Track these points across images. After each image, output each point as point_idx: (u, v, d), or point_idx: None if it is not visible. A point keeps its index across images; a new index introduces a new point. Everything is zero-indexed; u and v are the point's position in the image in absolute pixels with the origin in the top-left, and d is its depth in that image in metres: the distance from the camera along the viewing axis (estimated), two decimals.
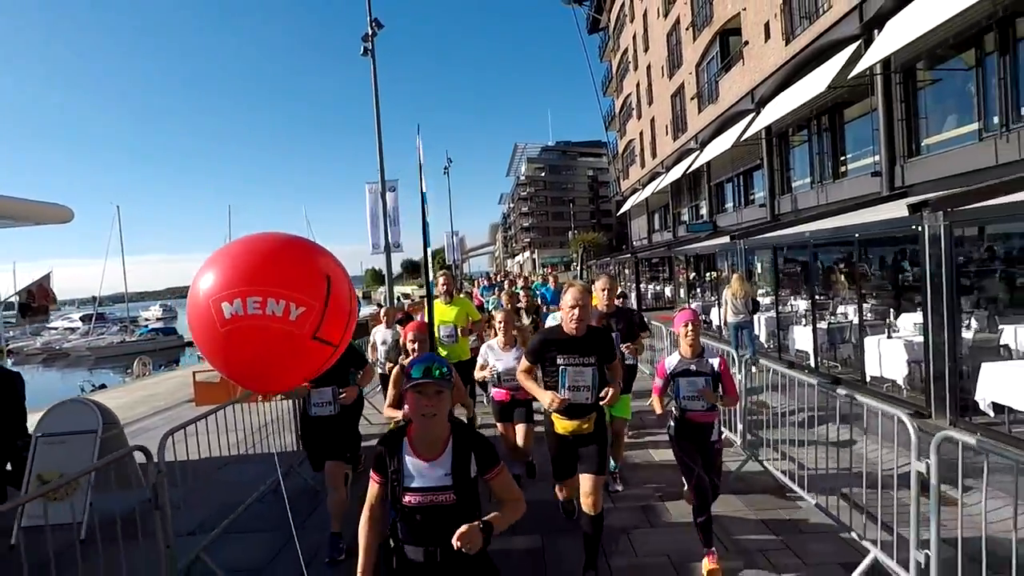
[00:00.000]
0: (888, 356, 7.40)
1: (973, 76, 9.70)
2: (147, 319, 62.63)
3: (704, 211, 23.89)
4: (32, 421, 5.31)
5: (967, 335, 7.18)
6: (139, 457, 3.45)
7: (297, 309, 2.16)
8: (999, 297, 8.55)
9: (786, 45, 14.65)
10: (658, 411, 3.92)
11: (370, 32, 15.19)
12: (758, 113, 16.30)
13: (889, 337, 7.62)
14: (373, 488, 2.19)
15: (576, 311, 3.42)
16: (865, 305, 10.48)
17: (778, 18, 14.90)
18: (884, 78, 11.42)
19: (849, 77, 11.38)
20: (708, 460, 3.71)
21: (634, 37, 31.73)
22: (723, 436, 3.82)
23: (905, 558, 3.10)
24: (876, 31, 11.08)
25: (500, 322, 4.80)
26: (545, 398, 3.45)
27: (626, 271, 27.12)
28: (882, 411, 3.64)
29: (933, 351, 6.23)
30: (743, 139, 16.73)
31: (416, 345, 4.24)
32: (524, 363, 3.69)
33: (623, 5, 33.63)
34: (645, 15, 28.98)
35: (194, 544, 3.97)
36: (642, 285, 25.23)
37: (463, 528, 1.92)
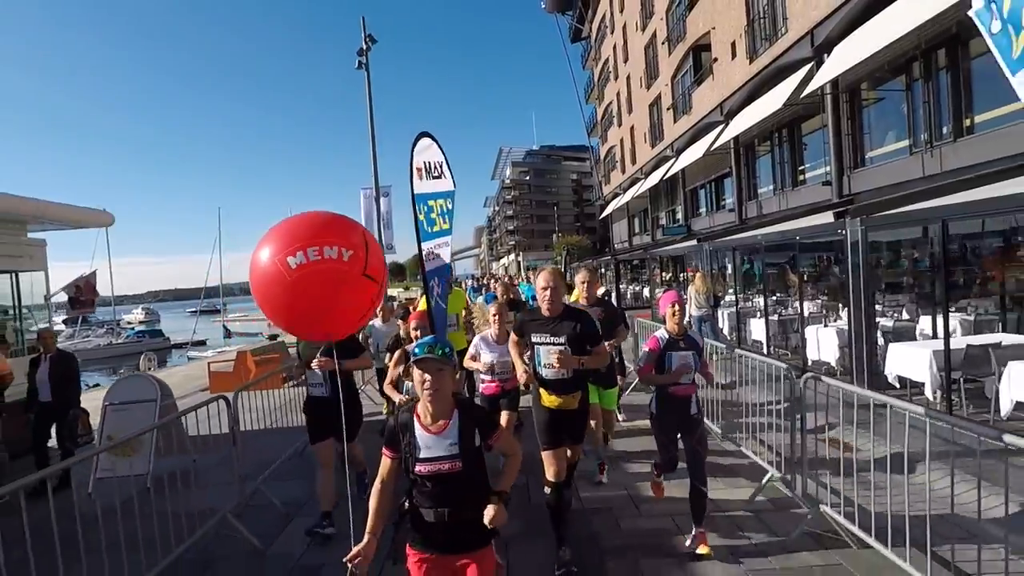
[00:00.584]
0: (824, 342, 8.61)
1: (905, 98, 11.01)
2: (130, 322, 62.43)
3: (680, 215, 25.18)
4: None
5: (888, 323, 8.41)
6: (221, 406, 4.44)
7: (348, 252, 2.56)
8: (926, 291, 9.85)
9: (750, 63, 15.93)
10: (664, 380, 3.96)
11: (364, 47, 16.24)
12: (727, 125, 17.58)
13: (825, 326, 8.84)
14: (385, 463, 2.40)
15: (548, 292, 3.63)
16: (819, 300, 11.79)
17: (743, 38, 16.19)
18: (833, 97, 12.71)
19: (802, 96, 12.65)
20: (691, 430, 3.95)
21: (614, 48, 33.05)
22: (701, 408, 4.17)
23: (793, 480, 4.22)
24: (826, 55, 12.36)
25: (494, 314, 4.85)
26: (519, 369, 3.86)
27: (608, 273, 28.35)
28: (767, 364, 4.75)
29: (854, 336, 7.42)
30: (713, 148, 17.99)
31: (418, 332, 4.65)
32: (514, 335, 4.06)
33: (604, 17, 34.95)
34: (624, 28, 30.28)
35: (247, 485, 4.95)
36: (622, 286, 26.50)
37: (490, 512, 2.23)
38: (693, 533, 3.82)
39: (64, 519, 3.15)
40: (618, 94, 33.49)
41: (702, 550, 3.72)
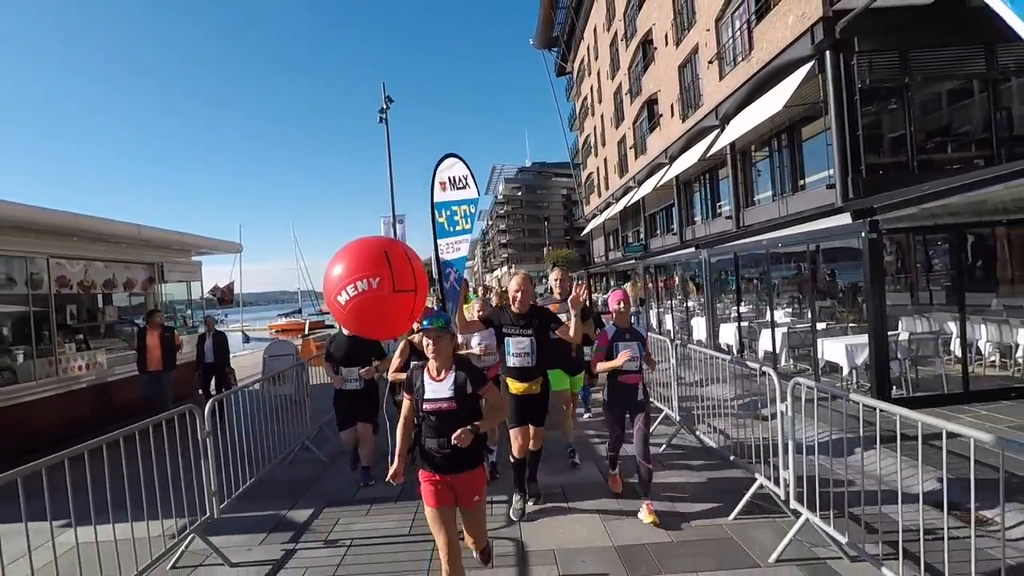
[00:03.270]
0: (696, 329, 13.18)
1: (770, 162, 15.73)
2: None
3: (642, 236, 29.85)
4: None
5: (746, 310, 12.99)
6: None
7: (375, 280, 3.15)
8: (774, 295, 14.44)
9: (682, 122, 20.67)
10: (612, 365, 4.30)
11: (384, 106, 20.82)
12: (669, 166, 22.27)
13: (701, 317, 13.43)
14: (406, 402, 3.12)
15: (519, 294, 4.19)
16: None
17: (677, 103, 20.96)
18: (732, 156, 17.41)
19: (710, 154, 17.34)
20: (637, 411, 4.35)
21: (591, 89, 37.91)
22: (647, 393, 4.59)
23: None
24: (726, 124, 17.06)
25: (478, 311, 5.30)
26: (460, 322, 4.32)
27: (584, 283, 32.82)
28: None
29: (707, 323, 11.98)
30: (660, 184, 22.67)
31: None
32: (476, 316, 4.57)
33: (583, 60, 39.85)
34: (599, 73, 35.15)
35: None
36: (594, 295, 31.08)
37: (458, 431, 2.84)
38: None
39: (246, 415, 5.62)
40: (595, 128, 38.27)
41: (648, 518, 4.15)
